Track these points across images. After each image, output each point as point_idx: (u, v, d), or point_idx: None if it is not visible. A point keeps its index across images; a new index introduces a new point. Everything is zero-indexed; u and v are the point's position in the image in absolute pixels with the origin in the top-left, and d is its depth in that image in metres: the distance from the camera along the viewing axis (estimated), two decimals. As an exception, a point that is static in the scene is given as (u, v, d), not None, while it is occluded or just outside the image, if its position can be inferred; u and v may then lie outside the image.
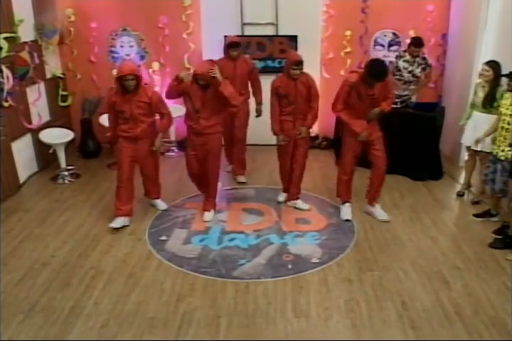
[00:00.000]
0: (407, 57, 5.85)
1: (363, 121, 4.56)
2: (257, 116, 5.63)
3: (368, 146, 4.66)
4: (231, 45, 5.36)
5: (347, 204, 4.91)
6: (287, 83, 4.69)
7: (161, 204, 5.10)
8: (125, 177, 4.59)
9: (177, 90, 4.48)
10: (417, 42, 5.73)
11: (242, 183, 5.74)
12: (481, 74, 4.83)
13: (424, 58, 5.88)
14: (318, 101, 4.80)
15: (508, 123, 4.23)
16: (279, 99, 4.79)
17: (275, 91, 4.77)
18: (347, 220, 4.76)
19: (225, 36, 6.37)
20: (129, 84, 4.30)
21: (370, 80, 4.32)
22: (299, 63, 4.62)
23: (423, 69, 5.87)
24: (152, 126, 4.62)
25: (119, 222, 4.60)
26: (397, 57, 5.97)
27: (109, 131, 4.77)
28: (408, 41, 6.02)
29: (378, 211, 4.83)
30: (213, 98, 4.43)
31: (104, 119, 5.94)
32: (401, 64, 5.87)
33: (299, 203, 5.09)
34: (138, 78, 4.35)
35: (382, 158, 4.66)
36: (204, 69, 4.29)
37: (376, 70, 4.28)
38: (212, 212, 4.90)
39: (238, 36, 6.41)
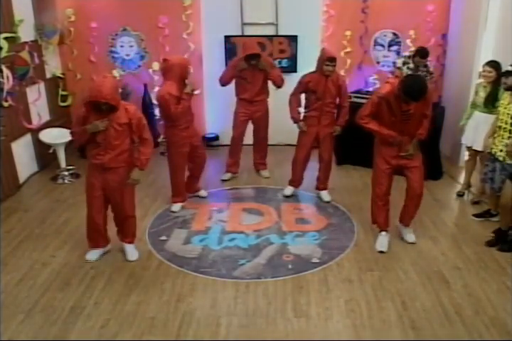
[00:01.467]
0: (411, 64, 5.85)
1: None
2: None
3: (405, 173, 4.19)
4: (251, 58, 5.27)
5: (383, 232, 4.33)
6: (318, 79, 4.82)
7: (132, 252, 4.14)
8: (97, 219, 3.95)
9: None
10: (422, 54, 5.69)
11: (266, 178, 5.90)
12: (484, 76, 4.81)
13: (426, 65, 5.86)
14: (347, 100, 5.05)
15: (506, 123, 4.24)
16: (307, 95, 4.94)
17: (303, 85, 4.90)
18: (381, 252, 4.21)
19: (226, 36, 6.40)
20: (100, 109, 3.60)
21: (405, 98, 3.79)
22: (333, 59, 4.72)
23: (424, 76, 5.85)
24: (125, 154, 3.79)
25: (95, 253, 4.11)
26: (404, 64, 5.95)
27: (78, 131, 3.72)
28: (410, 46, 6.01)
29: (407, 233, 4.42)
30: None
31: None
32: (405, 71, 5.87)
33: (323, 193, 5.29)
34: (114, 106, 3.59)
35: (419, 186, 4.17)
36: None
37: (412, 89, 3.71)
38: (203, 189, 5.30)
39: (238, 36, 6.44)
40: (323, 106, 4.89)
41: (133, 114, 3.73)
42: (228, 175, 5.86)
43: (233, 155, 5.85)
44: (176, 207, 5.05)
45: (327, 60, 4.71)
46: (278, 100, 5.68)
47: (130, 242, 4.17)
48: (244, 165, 5.99)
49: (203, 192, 5.29)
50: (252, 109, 5.58)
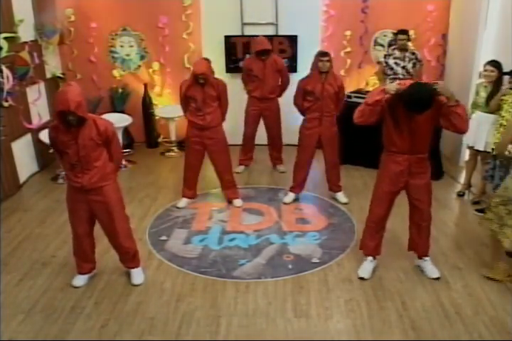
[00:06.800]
0: (397, 53, 5.86)
1: (402, 157, 3.54)
2: None
3: (409, 192, 3.71)
4: (260, 53, 5.47)
5: (370, 258, 3.89)
6: (315, 81, 4.82)
7: (136, 275, 3.79)
8: (85, 247, 3.70)
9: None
10: (401, 31, 5.78)
11: (282, 172, 5.97)
12: (486, 76, 4.80)
13: (414, 53, 5.88)
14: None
15: (506, 120, 4.28)
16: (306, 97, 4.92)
17: (302, 89, 4.90)
18: (362, 278, 3.82)
19: (226, 36, 6.39)
20: (70, 120, 3.20)
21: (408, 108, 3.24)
22: (325, 54, 4.76)
23: (414, 65, 5.86)
24: (106, 169, 3.44)
25: (82, 278, 3.80)
26: (385, 57, 5.98)
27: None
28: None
29: (428, 266, 3.87)
30: (211, 93, 4.66)
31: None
32: (391, 61, 5.86)
33: (339, 195, 5.25)
34: (81, 117, 3.20)
35: (426, 212, 3.73)
36: (203, 69, 4.52)
37: (411, 98, 3.13)
38: (240, 199, 5.12)
39: (238, 36, 6.44)
40: (323, 106, 4.87)
41: (104, 130, 3.32)
42: (241, 168, 5.98)
43: (246, 152, 5.98)
44: (181, 202, 5.06)
45: (319, 55, 4.77)
46: (280, 99, 5.71)
47: (133, 268, 3.83)
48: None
49: (236, 202, 5.09)
50: (262, 106, 5.68)
